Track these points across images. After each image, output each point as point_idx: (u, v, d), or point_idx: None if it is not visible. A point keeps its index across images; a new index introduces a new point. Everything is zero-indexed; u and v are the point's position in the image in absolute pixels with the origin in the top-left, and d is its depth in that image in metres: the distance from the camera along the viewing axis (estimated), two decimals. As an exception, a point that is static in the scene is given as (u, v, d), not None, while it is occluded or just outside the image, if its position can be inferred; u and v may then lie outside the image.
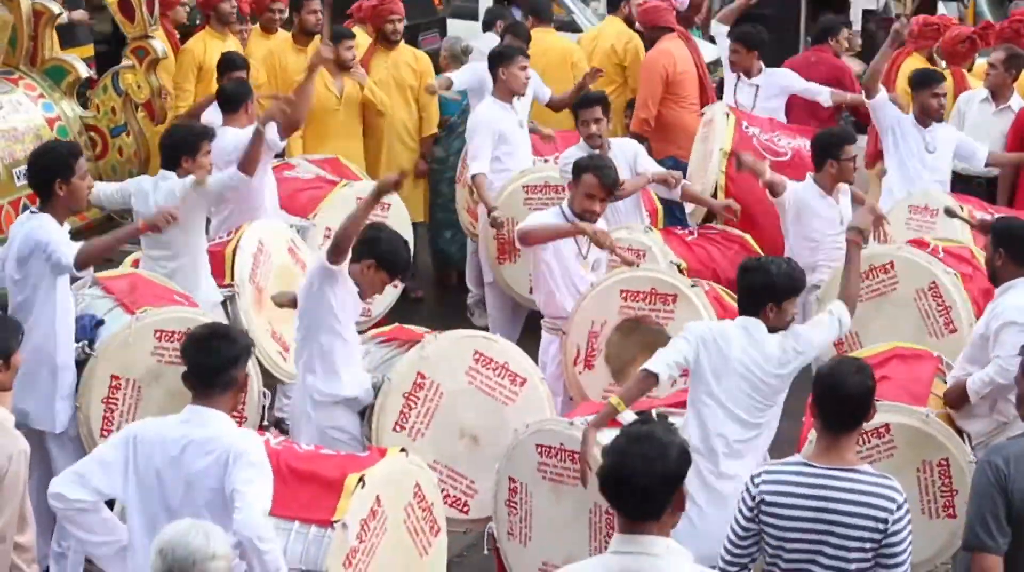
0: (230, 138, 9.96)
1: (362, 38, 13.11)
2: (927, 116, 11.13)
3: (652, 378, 7.22)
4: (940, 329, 9.18)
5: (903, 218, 10.53)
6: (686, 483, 4.92)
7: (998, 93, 12.08)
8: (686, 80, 12.74)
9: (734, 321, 7.40)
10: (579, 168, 9.25)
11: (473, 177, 11.28)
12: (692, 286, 9.05)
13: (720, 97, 12.71)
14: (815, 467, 5.90)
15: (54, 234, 8.06)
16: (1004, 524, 5.80)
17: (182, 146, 9.29)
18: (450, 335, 8.28)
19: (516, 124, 11.53)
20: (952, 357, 8.28)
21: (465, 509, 8.04)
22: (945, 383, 8.00)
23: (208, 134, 9.53)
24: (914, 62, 12.73)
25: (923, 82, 11.26)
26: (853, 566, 5.80)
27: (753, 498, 5.92)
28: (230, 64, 11.58)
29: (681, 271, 9.81)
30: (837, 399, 5.94)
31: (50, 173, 8.21)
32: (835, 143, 9.99)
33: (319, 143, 12.37)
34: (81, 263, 8.10)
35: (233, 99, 10.48)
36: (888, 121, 11.26)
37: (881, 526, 5.75)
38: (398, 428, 7.98)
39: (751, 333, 7.27)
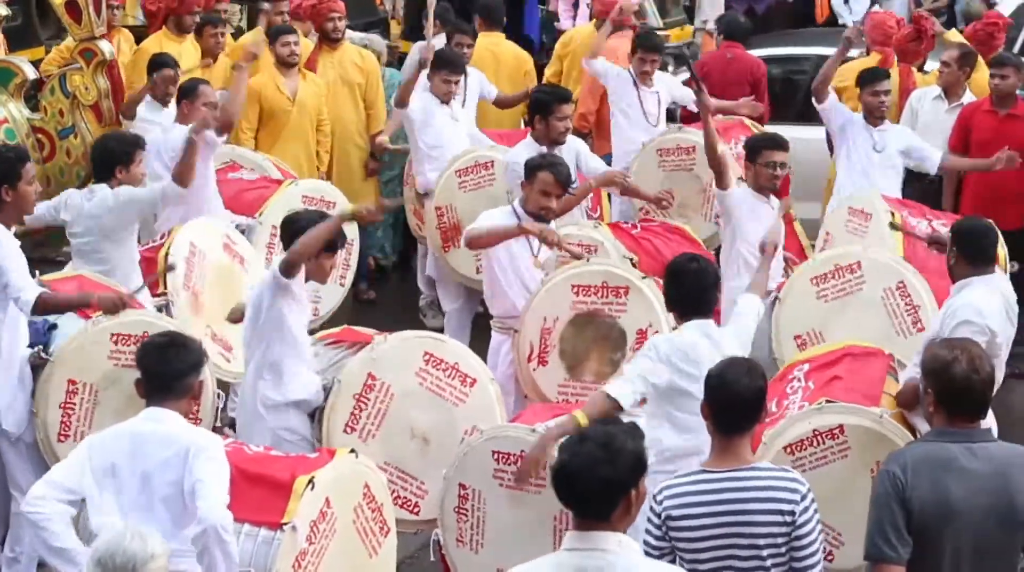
0: (177, 135, 9.96)
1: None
2: (870, 114, 11.17)
3: (615, 404, 7.16)
4: (908, 328, 9.21)
5: (843, 219, 10.53)
6: None
7: (951, 91, 12.12)
8: None
9: (688, 329, 7.38)
10: (532, 167, 9.27)
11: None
12: (643, 278, 9.05)
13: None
14: (714, 472, 5.88)
15: (12, 258, 7.95)
16: (904, 533, 5.73)
17: (115, 156, 9.24)
18: (400, 336, 8.25)
19: (449, 118, 11.56)
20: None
21: (415, 510, 8.00)
22: (897, 382, 7.99)
23: (140, 143, 9.47)
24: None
25: (865, 80, 11.33)
26: (769, 562, 5.78)
27: (659, 516, 5.86)
28: (161, 64, 11.52)
29: (633, 265, 9.83)
30: (729, 402, 5.93)
31: None
32: (761, 147, 9.86)
33: (272, 144, 12.34)
34: (38, 311, 8.02)
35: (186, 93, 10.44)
36: (839, 120, 11.30)
37: (788, 518, 5.75)
38: (349, 429, 7.94)
39: (711, 336, 7.29)
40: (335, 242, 8.05)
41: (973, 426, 5.85)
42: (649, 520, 5.88)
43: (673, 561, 5.85)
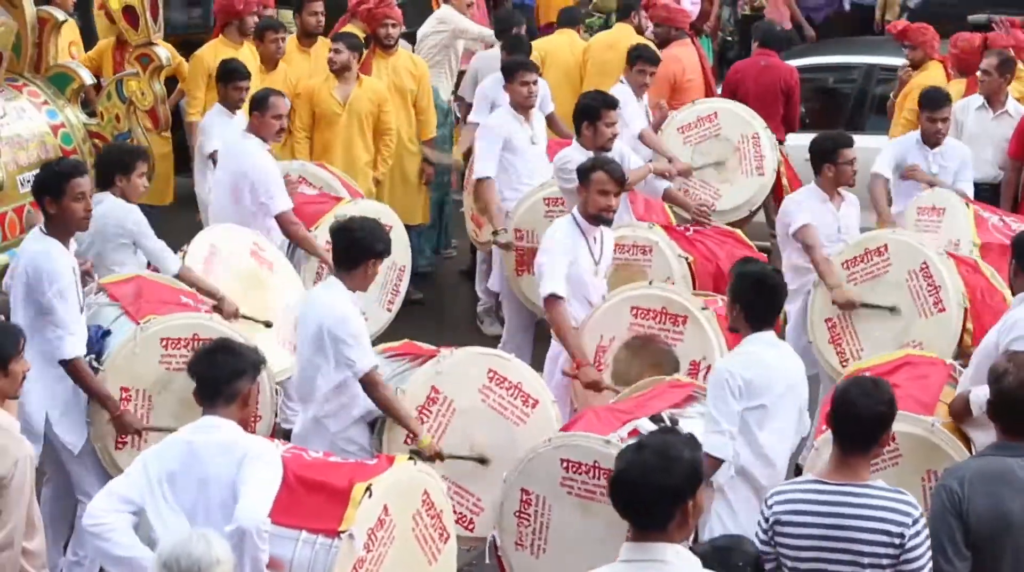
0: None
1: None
2: (926, 138, 11.14)
3: (715, 461, 7.08)
4: (929, 308, 9.38)
5: (912, 219, 10.63)
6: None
7: (993, 99, 12.08)
8: (692, 87, 12.81)
9: (755, 343, 7.34)
10: (585, 170, 9.25)
11: (478, 181, 11.25)
12: (703, 309, 8.99)
13: None
14: (828, 484, 5.88)
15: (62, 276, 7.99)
16: (962, 548, 5.79)
17: (116, 165, 9.27)
18: (466, 351, 8.31)
19: (527, 138, 11.48)
20: (940, 336, 8.56)
21: (470, 527, 8.03)
22: (955, 390, 7.99)
23: (141, 153, 9.54)
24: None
25: (925, 104, 11.23)
26: None
27: (767, 520, 5.89)
28: (233, 73, 11.53)
29: (689, 264, 9.94)
30: (850, 420, 5.92)
31: (42, 190, 8.18)
32: (831, 148, 9.99)
33: (324, 151, 12.39)
34: (69, 368, 8.05)
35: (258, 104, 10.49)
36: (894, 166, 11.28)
37: (897, 541, 5.72)
38: (409, 441, 7.98)
39: (777, 347, 7.34)
40: (383, 251, 8.09)
41: None
42: (759, 524, 5.92)
43: (777, 569, 5.87)
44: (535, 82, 11.55)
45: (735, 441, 7.15)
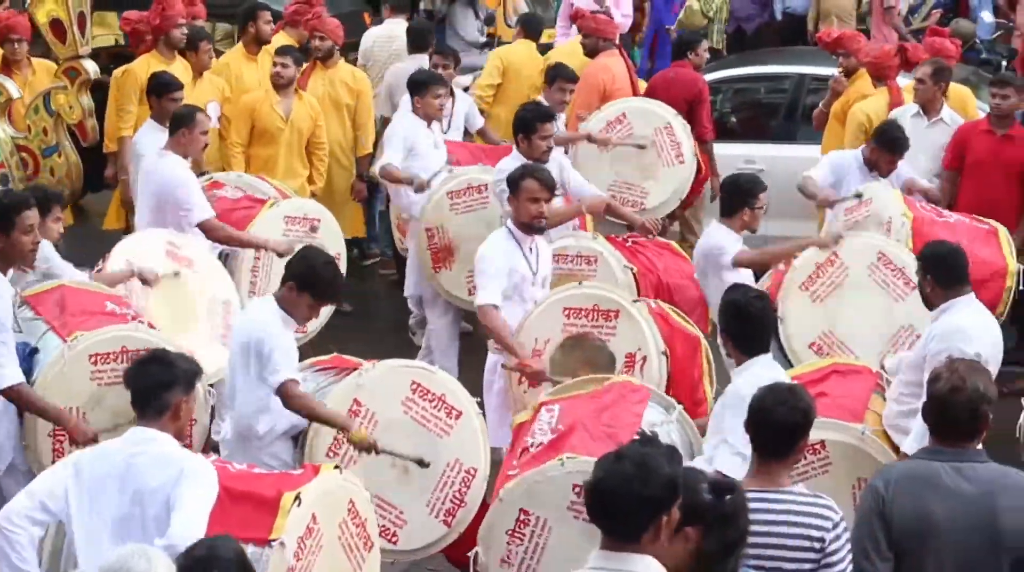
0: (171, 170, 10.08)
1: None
2: (878, 168, 11.04)
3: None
4: (902, 291, 9.50)
5: (840, 221, 10.59)
6: None
7: (928, 107, 12.08)
8: (620, 96, 12.77)
9: (759, 367, 7.27)
10: (515, 178, 9.27)
11: (382, 167, 11.34)
12: (634, 302, 9.07)
13: None
14: (748, 491, 5.85)
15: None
16: (884, 549, 5.79)
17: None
18: (388, 364, 8.27)
19: (430, 143, 11.52)
20: (920, 314, 8.47)
21: (393, 539, 7.98)
22: (883, 399, 8.04)
23: (58, 198, 9.38)
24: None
25: (885, 146, 11.05)
26: None
27: None
28: (167, 86, 11.39)
29: (634, 275, 9.98)
30: (765, 428, 5.94)
31: None
32: (747, 191, 9.90)
33: (266, 166, 12.38)
34: (11, 395, 7.92)
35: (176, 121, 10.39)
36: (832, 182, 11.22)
37: (818, 545, 5.75)
38: (331, 454, 7.97)
39: (773, 369, 7.31)
40: (327, 300, 8.22)
41: (963, 446, 5.86)
42: None
43: None
44: (445, 95, 11.70)
45: (747, 462, 7.14)
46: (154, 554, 5.17)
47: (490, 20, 17.11)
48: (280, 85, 12.37)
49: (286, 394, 7.87)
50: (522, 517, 7.34)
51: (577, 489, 7.11)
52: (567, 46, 14.27)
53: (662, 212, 11.91)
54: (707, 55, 13.47)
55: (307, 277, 7.99)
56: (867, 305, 9.55)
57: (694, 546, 4.97)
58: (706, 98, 13.02)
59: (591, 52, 13.22)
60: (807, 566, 5.76)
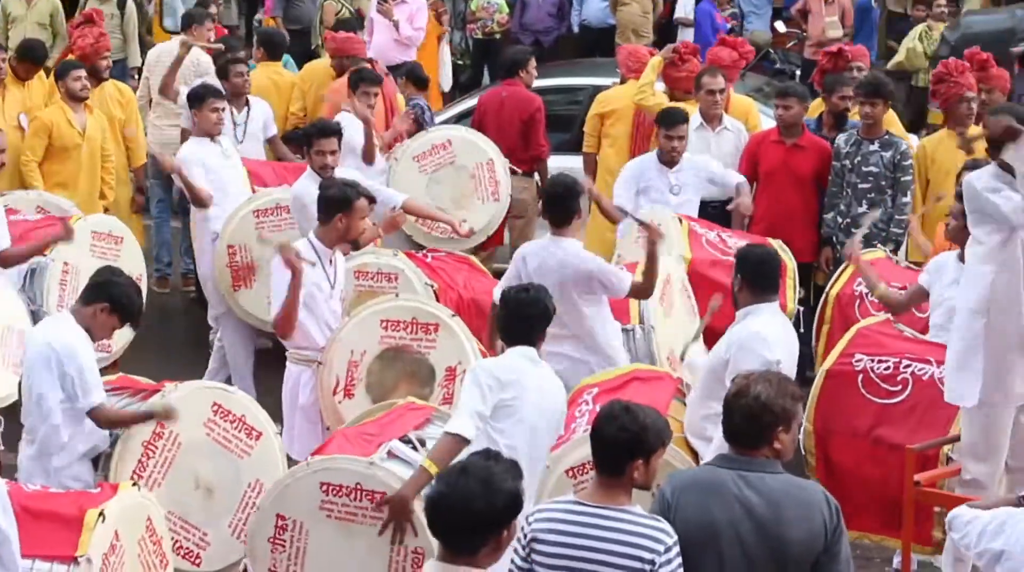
0: None
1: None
2: (664, 156, 11.40)
3: (460, 438, 7.11)
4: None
5: (633, 237, 10.71)
6: None
7: (710, 117, 12.32)
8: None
9: (510, 354, 7.45)
10: (347, 199, 9.35)
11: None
12: (453, 316, 9.16)
13: None
14: (585, 505, 5.88)
15: None
16: None
17: None
18: (190, 385, 8.34)
19: (219, 153, 11.51)
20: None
21: (197, 561, 8.01)
22: (684, 405, 8.14)
23: None
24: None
25: (663, 122, 11.48)
26: None
27: (525, 536, 5.85)
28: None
29: (435, 292, 10.04)
30: (598, 444, 5.94)
31: None
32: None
33: (67, 181, 12.36)
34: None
35: None
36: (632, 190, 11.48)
37: (648, 568, 5.71)
38: (136, 476, 7.95)
39: (537, 362, 7.43)
40: (135, 315, 8.18)
41: (753, 454, 5.88)
42: (517, 539, 5.82)
43: None
44: (224, 109, 11.72)
45: (476, 421, 7.23)
46: None
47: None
48: (83, 99, 12.41)
49: (99, 417, 7.89)
50: (280, 523, 7.38)
51: (325, 487, 7.24)
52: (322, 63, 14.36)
53: (469, 244, 12.00)
54: (535, 74, 13.50)
55: (119, 300, 8.00)
56: (679, 317, 9.84)
57: None
58: (541, 117, 13.13)
59: (339, 72, 13.33)
60: None
